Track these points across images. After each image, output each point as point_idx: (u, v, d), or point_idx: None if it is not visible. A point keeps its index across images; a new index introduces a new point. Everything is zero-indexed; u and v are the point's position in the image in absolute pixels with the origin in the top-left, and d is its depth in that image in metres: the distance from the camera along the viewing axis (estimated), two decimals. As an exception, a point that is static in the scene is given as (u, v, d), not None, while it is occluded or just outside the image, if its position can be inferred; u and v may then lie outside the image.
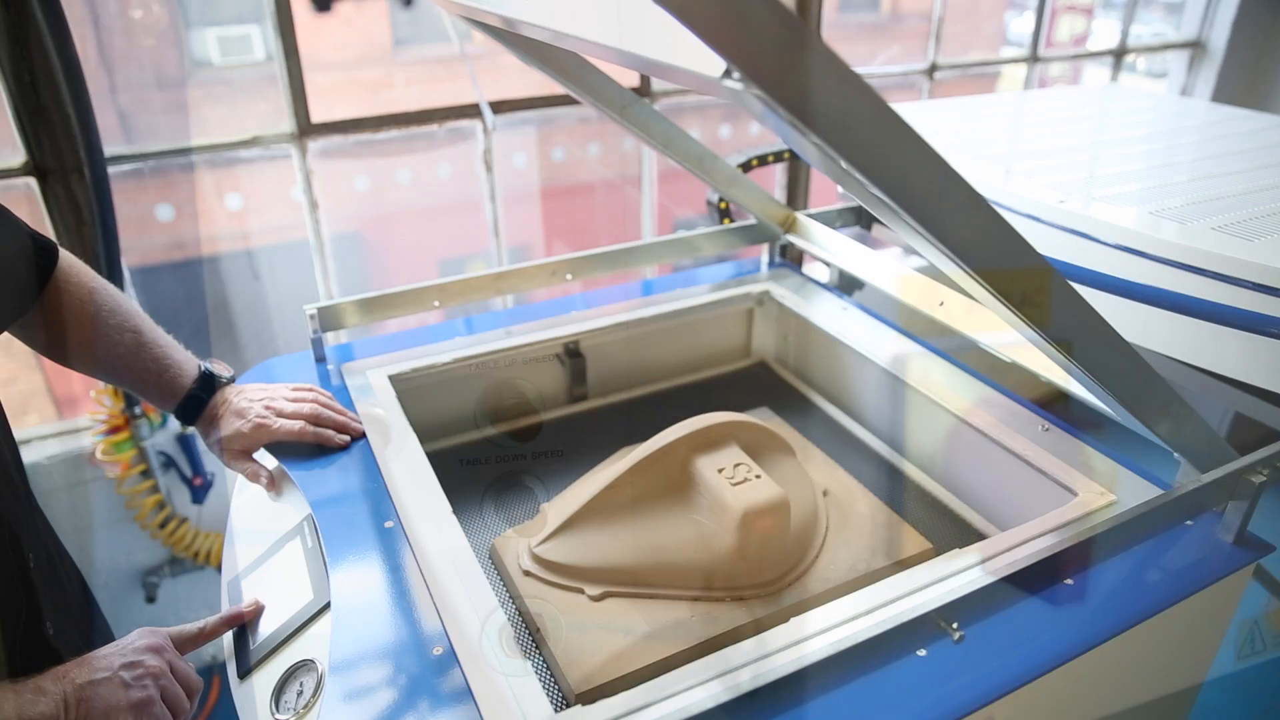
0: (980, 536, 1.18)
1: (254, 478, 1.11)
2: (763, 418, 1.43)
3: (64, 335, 1.05)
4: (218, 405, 1.12)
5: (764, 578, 1.03)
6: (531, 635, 0.98)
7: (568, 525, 1.06)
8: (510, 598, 1.04)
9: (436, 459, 1.13)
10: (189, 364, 1.12)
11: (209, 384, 1.12)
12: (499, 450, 1.39)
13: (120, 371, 1.08)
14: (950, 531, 1.21)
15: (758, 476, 1.04)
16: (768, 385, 1.61)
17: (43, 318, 1.03)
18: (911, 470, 1.33)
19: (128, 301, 1.10)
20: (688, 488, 1.08)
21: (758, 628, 1.00)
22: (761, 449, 1.14)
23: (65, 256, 1.05)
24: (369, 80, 5.15)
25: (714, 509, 1.04)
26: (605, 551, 1.04)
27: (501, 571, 1.08)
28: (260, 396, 1.14)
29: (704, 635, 0.96)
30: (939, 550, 1.13)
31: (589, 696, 0.88)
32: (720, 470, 1.05)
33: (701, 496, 1.06)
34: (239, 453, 1.11)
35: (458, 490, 1.25)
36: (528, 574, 1.04)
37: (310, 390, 1.18)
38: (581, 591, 1.02)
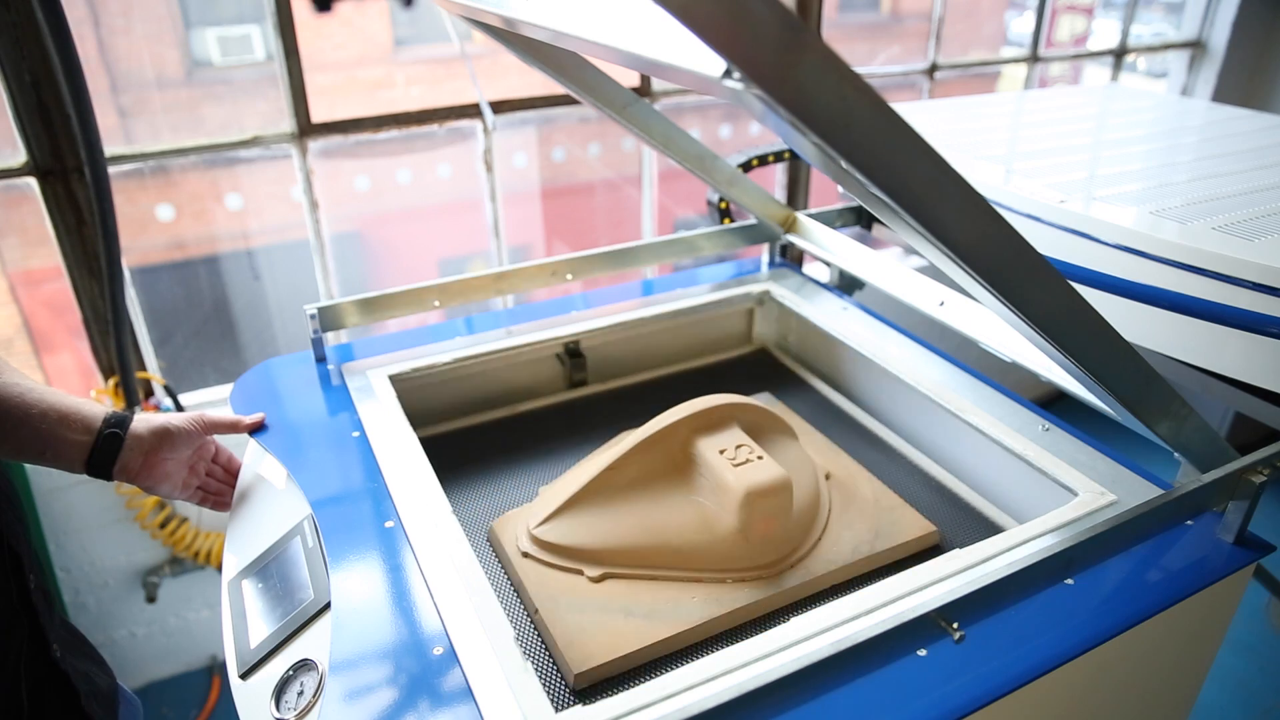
0: (985, 522, 1.18)
1: (242, 425, 1.13)
2: (764, 403, 1.39)
3: None
4: (142, 428, 1.05)
5: (766, 559, 1.02)
6: (530, 617, 0.98)
7: (567, 506, 1.06)
8: (508, 580, 1.04)
9: (431, 445, 1.15)
10: (91, 408, 1.03)
11: (120, 420, 1.03)
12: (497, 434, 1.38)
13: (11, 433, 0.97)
14: (955, 516, 1.20)
15: (760, 458, 1.04)
16: (769, 370, 1.60)
17: None
18: (915, 455, 1.32)
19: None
20: (689, 469, 1.08)
21: (760, 609, 0.99)
22: (763, 431, 1.13)
23: None
24: (369, 80, 5.14)
25: (715, 490, 1.04)
26: (605, 533, 1.03)
27: (499, 554, 1.08)
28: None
29: (705, 616, 0.96)
30: (943, 534, 1.13)
31: (588, 676, 0.88)
32: (722, 451, 1.05)
33: (703, 478, 1.06)
34: (209, 424, 1.12)
35: (455, 475, 1.25)
36: (526, 555, 1.04)
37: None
38: (581, 573, 1.01)
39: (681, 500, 1.06)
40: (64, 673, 0.92)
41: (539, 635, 0.96)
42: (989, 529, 1.17)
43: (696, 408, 1.09)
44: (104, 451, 1.01)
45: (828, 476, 1.19)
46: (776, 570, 1.03)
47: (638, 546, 1.02)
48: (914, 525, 1.11)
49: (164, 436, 1.06)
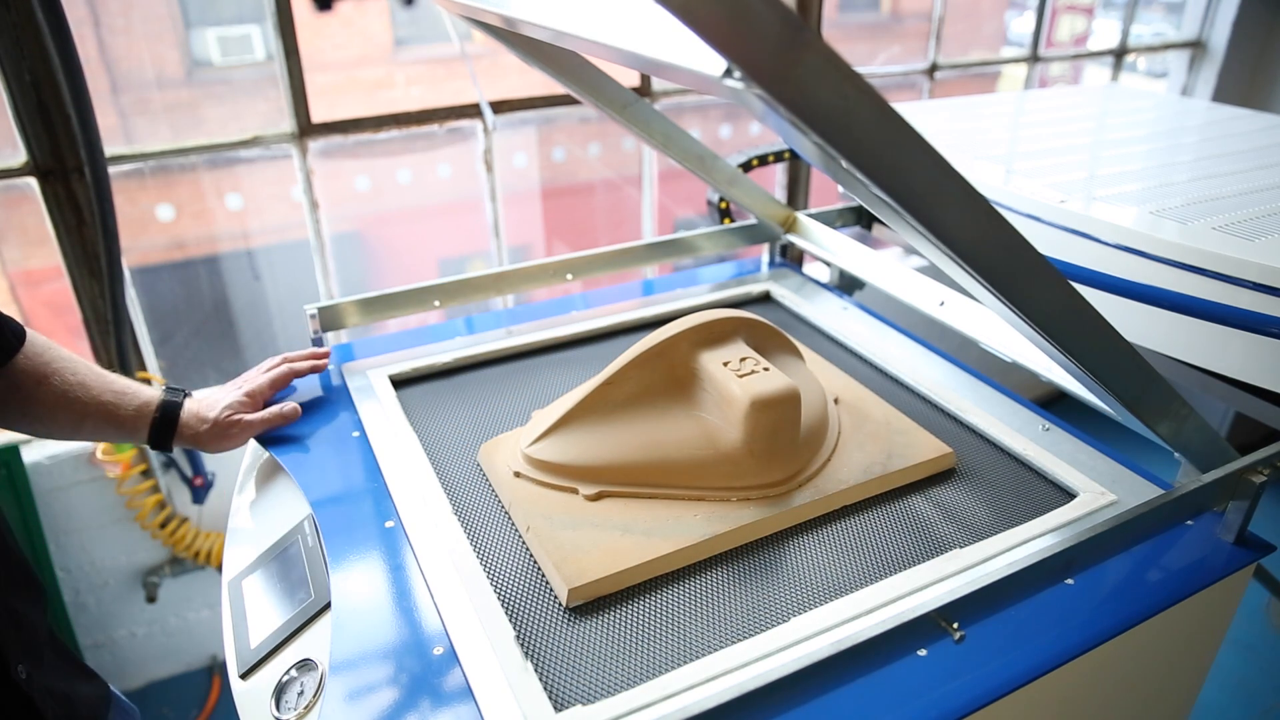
0: (1004, 453, 1.13)
1: (286, 417, 1.15)
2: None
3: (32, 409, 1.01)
4: (190, 408, 1.09)
5: (773, 477, 0.99)
6: (521, 536, 0.94)
7: (561, 424, 1.01)
8: (499, 502, 1.01)
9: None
10: (142, 388, 1.08)
11: (173, 394, 1.09)
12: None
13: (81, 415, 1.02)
14: (970, 444, 1.15)
15: (766, 369, 0.99)
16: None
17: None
18: (926, 391, 1.27)
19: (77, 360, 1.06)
20: (691, 385, 1.03)
21: (767, 528, 0.95)
22: (768, 349, 1.09)
23: (33, 339, 1.01)
24: (369, 80, 5.15)
25: (719, 402, 0.99)
26: (602, 450, 0.99)
27: (490, 476, 1.05)
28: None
29: (709, 533, 0.92)
30: (961, 459, 1.09)
31: (582, 593, 0.86)
32: (725, 364, 1.00)
33: (706, 392, 1.01)
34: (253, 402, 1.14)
35: (440, 407, 1.24)
36: (518, 475, 1.01)
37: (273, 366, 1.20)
38: (576, 492, 0.98)
39: (683, 415, 1.01)
40: (28, 696, 0.89)
41: (531, 558, 0.91)
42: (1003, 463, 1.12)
43: (698, 320, 1.04)
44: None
45: (836, 401, 1.15)
46: (784, 489, 0.99)
47: (636, 463, 0.98)
48: (929, 447, 1.08)
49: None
